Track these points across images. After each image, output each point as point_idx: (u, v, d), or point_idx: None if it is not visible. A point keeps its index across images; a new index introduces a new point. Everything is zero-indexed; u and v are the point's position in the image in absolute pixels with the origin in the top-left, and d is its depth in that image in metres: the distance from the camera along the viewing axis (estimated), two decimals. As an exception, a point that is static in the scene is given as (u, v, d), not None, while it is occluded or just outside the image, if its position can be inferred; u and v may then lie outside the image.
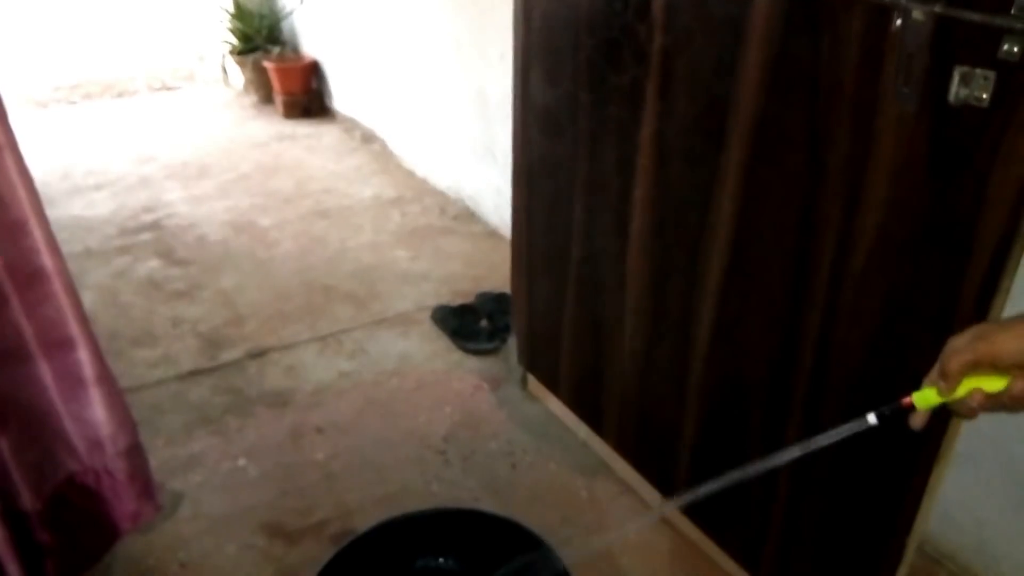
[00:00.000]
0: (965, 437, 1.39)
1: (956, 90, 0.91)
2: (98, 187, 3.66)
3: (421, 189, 3.64)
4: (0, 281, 1.32)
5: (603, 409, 1.88)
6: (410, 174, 3.81)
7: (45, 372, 1.43)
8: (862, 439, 1.23)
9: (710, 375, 1.52)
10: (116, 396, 1.56)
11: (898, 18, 0.96)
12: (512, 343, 2.23)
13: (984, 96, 0.88)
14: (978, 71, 0.88)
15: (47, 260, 1.39)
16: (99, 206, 3.47)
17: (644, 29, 1.42)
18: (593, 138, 1.65)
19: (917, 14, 0.93)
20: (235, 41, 4.83)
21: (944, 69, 0.92)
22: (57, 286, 1.40)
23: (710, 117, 1.33)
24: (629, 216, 1.60)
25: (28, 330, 1.39)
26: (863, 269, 1.14)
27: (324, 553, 1.48)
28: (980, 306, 0.97)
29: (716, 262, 1.41)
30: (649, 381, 1.70)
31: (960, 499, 1.58)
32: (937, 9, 0.91)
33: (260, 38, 4.73)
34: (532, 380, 2.18)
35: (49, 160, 3.93)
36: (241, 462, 1.94)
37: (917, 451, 1.14)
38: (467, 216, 3.34)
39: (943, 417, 1.07)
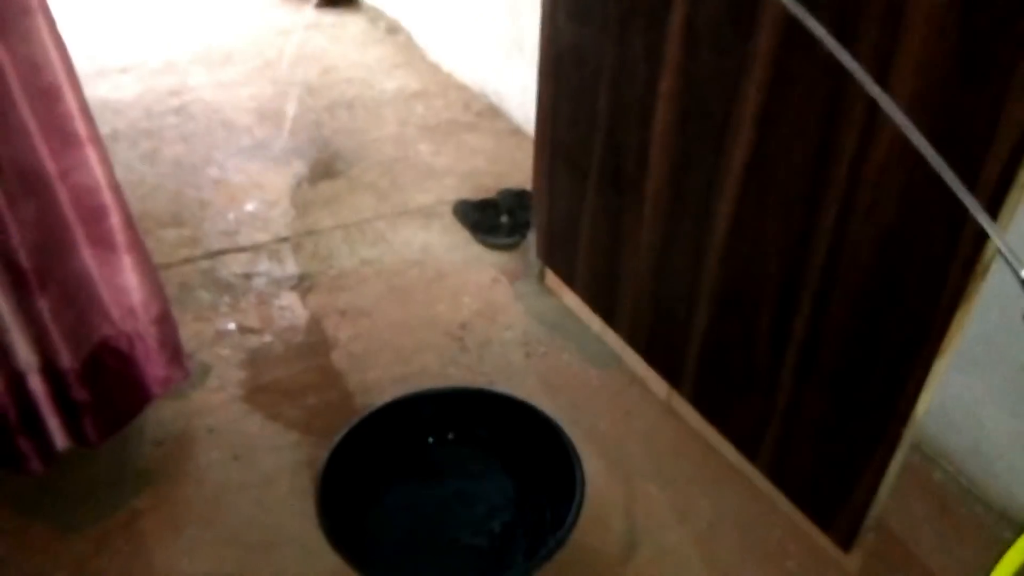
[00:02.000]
0: (973, 341, 1.43)
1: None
2: (124, 70, 3.65)
3: (446, 83, 3.59)
4: (35, 145, 1.36)
5: (617, 303, 1.92)
6: (435, 68, 3.75)
7: (80, 237, 1.48)
8: (867, 330, 1.26)
9: (724, 270, 1.54)
10: (147, 265, 1.62)
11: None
12: (531, 239, 2.26)
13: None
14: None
15: (80, 126, 1.42)
16: (125, 89, 3.47)
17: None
18: (622, 24, 1.62)
19: None
20: (260, -77, 4.68)
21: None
22: (90, 152, 1.44)
23: (740, 6, 1.31)
24: (653, 108, 1.59)
25: (64, 196, 1.43)
26: (882, 165, 1.14)
27: (345, 424, 1.57)
28: (995, 201, 0.98)
29: (737, 156, 1.41)
30: (664, 276, 1.73)
31: (961, 401, 1.63)
32: None
33: (285, -80, 4.58)
34: (549, 275, 2.22)
35: (73, 41, 3.90)
36: (267, 338, 2.02)
37: (919, 343, 1.17)
38: (491, 112, 3.31)
39: (946, 311, 1.11)
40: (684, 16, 1.44)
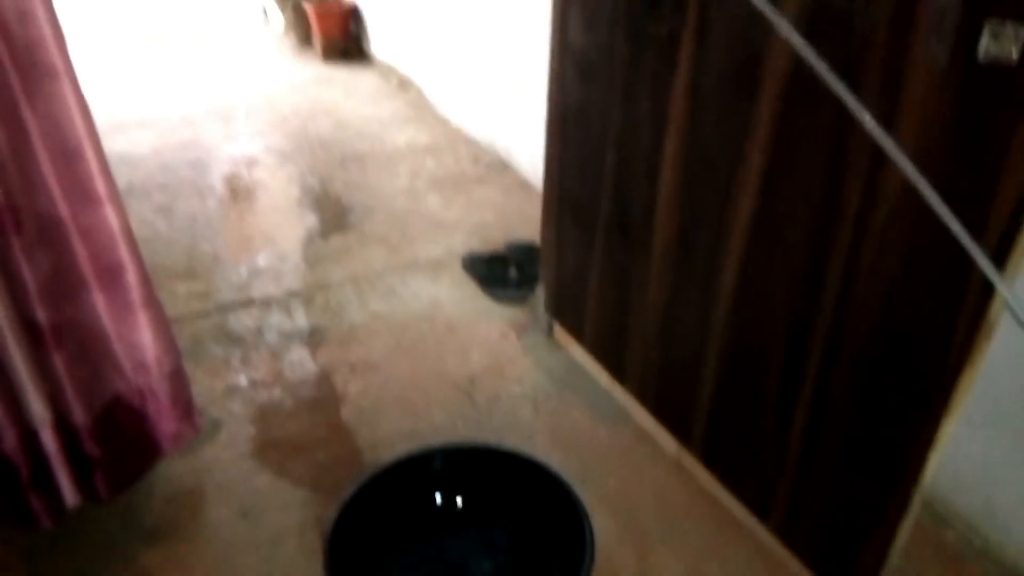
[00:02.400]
0: (981, 401, 1.42)
1: (986, 46, 0.92)
2: (141, 125, 3.74)
3: (455, 137, 3.66)
4: (56, 205, 1.39)
5: (626, 359, 1.92)
6: (445, 122, 3.83)
7: (97, 294, 1.50)
8: (874, 389, 1.27)
9: (731, 328, 1.55)
10: (161, 321, 1.64)
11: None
12: (540, 292, 2.28)
13: (1013, 53, 0.89)
14: (1008, 26, 0.89)
15: (100, 185, 1.46)
16: (142, 143, 3.55)
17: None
18: (628, 87, 1.66)
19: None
20: (276, -18, 4.84)
21: (975, 24, 0.93)
22: (109, 211, 1.47)
23: (744, 70, 1.34)
24: (660, 167, 1.62)
25: (82, 253, 1.46)
26: (886, 225, 1.16)
27: (353, 482, 1.57)
28: (998, 261, 1.00)
29: (743, 215, 1.43)
30: (672, 332, 1.74)
31: (972, 460, 1.62)
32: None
33: (301, -20, 4.74)
34: (558, 329, 2.23)
35: (94, 97, 4.01)
36: (277, 393, 2.03)
37: (927, 401, 1.17)
38: (500, 166, 3.37)
39: (953, 368, 1.11)
40: (688, 79, 1.48)
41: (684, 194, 1.59)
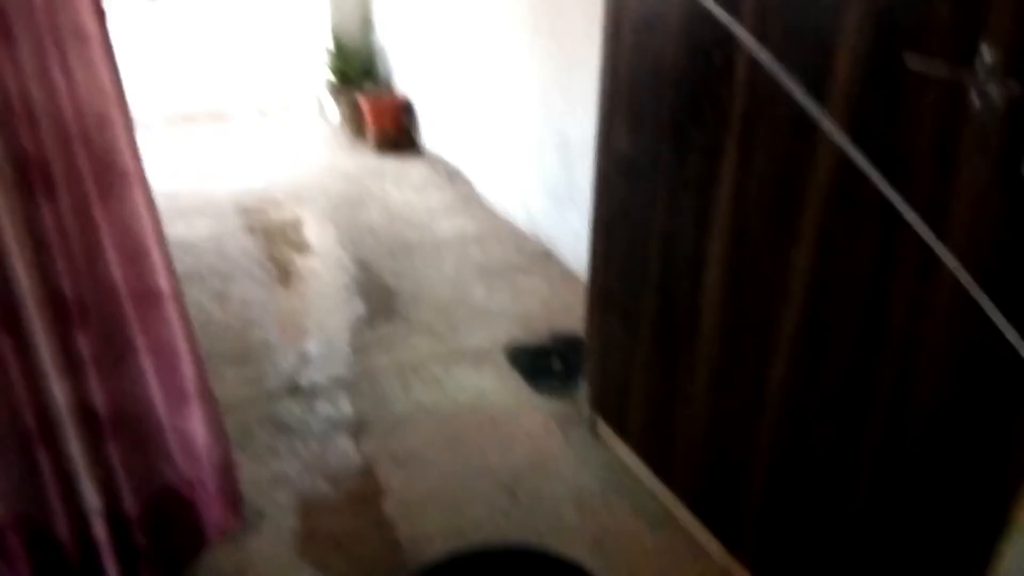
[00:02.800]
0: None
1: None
2: (200, 211, 3.90)
3: (501, 227, 3.74)
4: (120, 300, 1.46)
5: (671, 460, 1.90)
6: (491, 212, 3.92)
7: (154, 386, 1.55)
8: (928, 500, 1.23)
9: (780, 431, 1.53)
10: (214, 412, 1.68)
11: (976, 97, 1.00)
12: (583, 385, 2.28)
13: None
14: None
15: (163, 281, 1.52)
16: (200, 229, 3.69)
17: (727, 91, 1.48)
18: (672, 190, 1.70)
19: (994, 93, 0.97)
20: (333, 77, 5.09)
21: (1017, 143, 0.95)
22: (170, 307, 1.53)
23: (788, 178, 1.37)
24: (704, 269, 1.64)
25: (143, 345, 1.52)
26: (936, 332, 1.15)
27: (394, 578, 1.55)
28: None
29: (790, 318, 1.43)
30: (719, 434, 1.72)
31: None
32: (1014, 90, 0.95)
33: (356, 75, 4.97)
34: (602, 424, 2.21)
35: (156, 181, 4.20)
36: (322, 485, 2.04)
37: (984, 515, 1.13)
38: (545, 256, 3.41)
39: (1012, 480, 1.08)
40: (732, 187, 1.51)
41: (730, 296, 1.60)
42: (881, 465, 1.31)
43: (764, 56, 1.35)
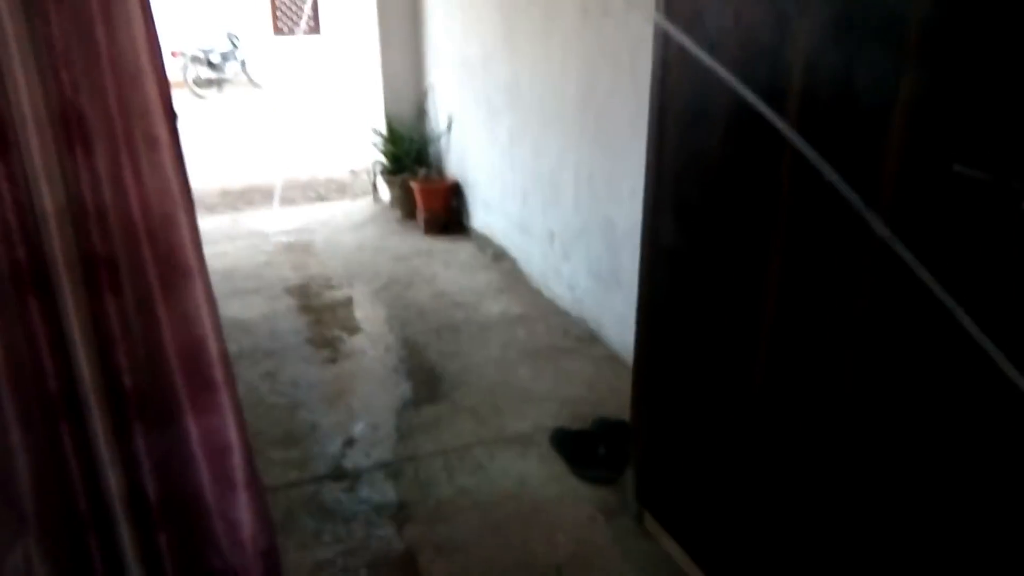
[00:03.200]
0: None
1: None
2: (256, 291, 4.03)
3: (546, 308, 3.76)
4: (177, 392, 1.50)
5: (722, 558, 1.84)
6: (537, 292, 3.95)
7: (205, 475, 1.58)
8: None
9: (843, 532, 1.48)
10: (261, 499, 1.69)
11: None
12: (629, 473, 2.24)
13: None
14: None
15: (218, 373, 1.57)
16: (254, 308, 3.80)
17: (772, 185, 1.49)
18: (718, 280, 1.70)
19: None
20: (387, 162, 5.27)
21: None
22: (224, 396, 1.57)
23: (834, 271, 1.37)
24: (753, 366, 1.63)
25: (195, 435, 1.56)
26: None
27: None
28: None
29: (845, 413, 1.41)
30: (772, 535, 1.67)
31: None
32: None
33: (409, 160, 5.14)
34: (648, 516, 2.17)
35: (214, 261, 4.37)
36: (364, 574, 2.02)
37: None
38: (590, 338, 3.42)
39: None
40: (779, 276, 1.51)
41: (779, 395, 1.57)
42: (956, 567, 1.26)
43: (809, 152, 1.37)
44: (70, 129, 1.28)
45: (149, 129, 1.32)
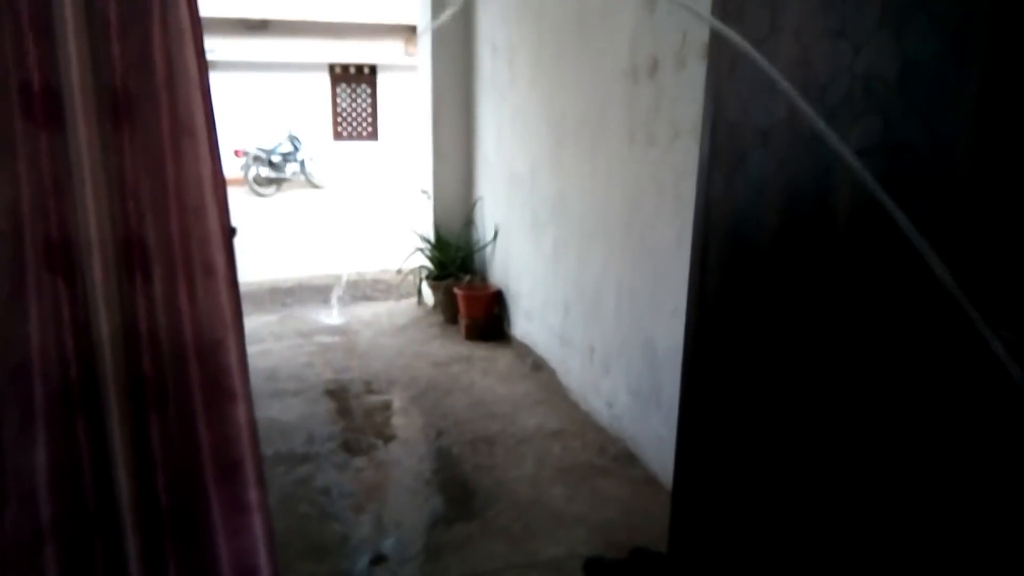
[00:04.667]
0: None
1: None
2: (296, 392, 4.07)
3: (584, 423, 3.71)
4: (211, 513, 1.51)
5: None
6: (574, 406, 3.92)
7: (230, 598, 1.57)
8: None
9: None
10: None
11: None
12: (664, 613, 2.15)
13: None
14: None
15: (253, 495, 1.58)
16: (294, 411, 3.83)
17: (816, 316, 1.49)
18: (761, 419, 1.67)
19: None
20: (432, 267, 5.38)
21: None
22: (256, 518, 1.58)
23: (883, 414, 1.34)
24: (807, 498, 1.58)
25: (225, 556, 1.55)
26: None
27: None
28: None
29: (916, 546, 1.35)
30: None
31: None
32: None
33: (454, 267, 5.25)
34: (683, 659, 2.06)
35: (259, 360, 4.44)
36: None
37: None
38: (627, 458, 3.35)
39: None
40: (820, 427, 1.48)
41: (839, 520, 1.52)
42: None
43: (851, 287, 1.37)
44: (132, 256, 1.35)
45: (207, 258, 1.38)
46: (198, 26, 1.30)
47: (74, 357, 1.34)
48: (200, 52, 1.30)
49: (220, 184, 1.38)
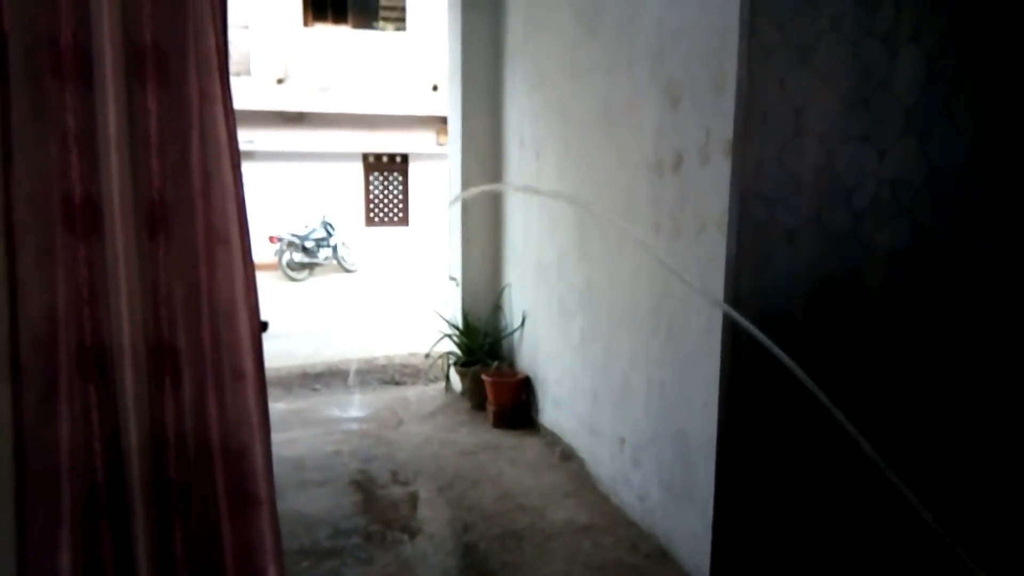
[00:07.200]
0: None
1: None
2: (323, 483, 4.02)
3: (614, 518, 3.61)
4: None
5: None
6: (605, 499, 3.81)
7: None
8: None
9: None
10: None
11: None
12: None
13: None
14: None
15: (270, 565, 1.54)
16: (319, 502, 3.78)
17: (851, 410, 1.45)
18: (800, 514, 1.61)
19: None
20: (460, 353, 5.38)
21: None
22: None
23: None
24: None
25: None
26: None
27: None
28: None
29: None
30: None
31: None
32: None
33: (482, 353, 5.24)
34: None
35: (284, 448, 4.42)
36: None
37: None
38: (660, 556, 3.23)
39: None
40: (858, 507, 1.42)
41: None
42: None
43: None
44: (163, 362, 1.36)
45: (237, 363, 1.39)
46: (234, 139, 1.35)
47: (102, 462, 1.34)
48: (236, 164, 1.35)
49: (252, 289, 1.41)
